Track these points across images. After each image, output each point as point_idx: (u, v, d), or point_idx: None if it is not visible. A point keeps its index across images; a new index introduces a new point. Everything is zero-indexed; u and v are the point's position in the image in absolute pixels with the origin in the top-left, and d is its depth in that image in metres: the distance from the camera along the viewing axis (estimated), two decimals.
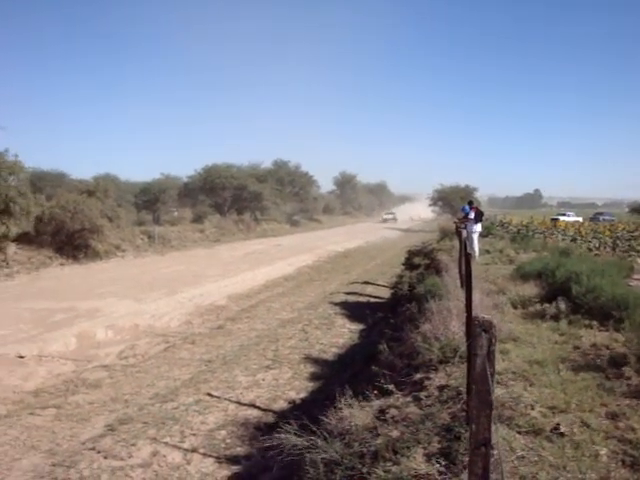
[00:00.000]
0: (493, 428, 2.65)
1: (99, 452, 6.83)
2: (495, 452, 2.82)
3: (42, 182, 37.69)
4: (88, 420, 7.99)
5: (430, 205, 66.49)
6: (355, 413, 4.75)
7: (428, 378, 5.59)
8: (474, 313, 3.65)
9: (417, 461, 3.73)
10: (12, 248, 23.19)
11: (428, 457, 3.82)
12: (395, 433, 4.20)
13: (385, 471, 3.66)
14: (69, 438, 7.35)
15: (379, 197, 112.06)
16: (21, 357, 10.72)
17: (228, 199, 49.71)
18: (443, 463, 3.70)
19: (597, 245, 20.17)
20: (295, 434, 4.46)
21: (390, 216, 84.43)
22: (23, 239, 24.35)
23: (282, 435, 4.50)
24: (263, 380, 9.84)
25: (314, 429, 4.42)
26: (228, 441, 7.21)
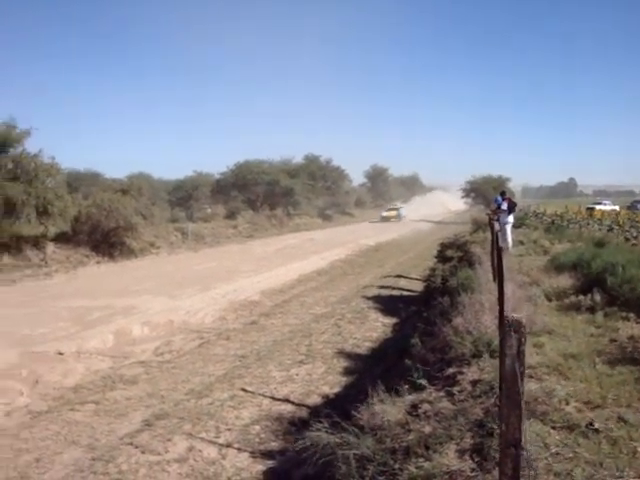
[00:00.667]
0: (524, 426, 2.63)
1: (137, 447, 6.97)
2: (525, 452, 2.79)
3: (78, 182, 38.39)
4: (126, 415, 8.15)
5: (462, 197, 64.77)
6: (387, 408, 4.75)
7: (461, 372, 5.55)
8: (506, 307, 3.62)
9: (449, 457, 3.72)
10: (51, 247, 23.76)
11: (460, 453, 3.80)
12: (427, 429, 4.20)
13: (417, 467, 3.66)
14: (107, 433, 7.51)
15: (411, 189, 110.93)
16: (60, 354, 10.95)
17: (260, 195, 49.98)
18: (476, 459, 3.68)
19: (635, 234, 19.69)
20: (326, 432, 4.48)
21: (392, 213, 61.99)
22: (61, 238, 24.91)
23: (314, 433, 4.53)
24: (297, 375, 9.91)
25: (346, 426, 4.44)
26: (262, 436, 7.29)
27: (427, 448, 3.88)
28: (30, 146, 23.54)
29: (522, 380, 2.52)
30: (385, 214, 61.65)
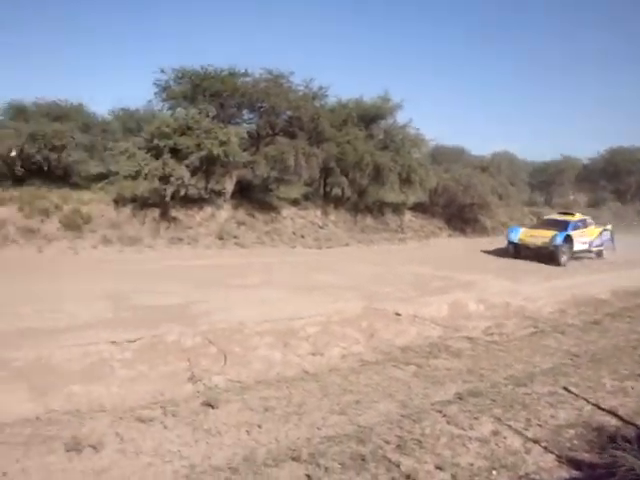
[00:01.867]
0: None
1: (444, 416, 7.15)
2: None
3: (442, 157, 39.84)
4: (442, 384, 8.43)
5: None
6: None
7: None
8: None
9: None
10: (408, 216, 25.60)
11: None
12: None
13: None
14: (421, 396, 7.89)
15: None
16: (398, 315, 11.79)
17: (632, 185, 45.12)
18: None
19: None
20: (634, 455, 3.98)
21: (541, 237, 20.81)
22: (418, 208, 26.60)
23: (618, 452, 4.07)
24: (632, 388, 8.85)
25: None
26: (574, 442, 6.75)
27: None
28: (400, 118, 25.49)
29: None
30: (519, 238, 21.55)
